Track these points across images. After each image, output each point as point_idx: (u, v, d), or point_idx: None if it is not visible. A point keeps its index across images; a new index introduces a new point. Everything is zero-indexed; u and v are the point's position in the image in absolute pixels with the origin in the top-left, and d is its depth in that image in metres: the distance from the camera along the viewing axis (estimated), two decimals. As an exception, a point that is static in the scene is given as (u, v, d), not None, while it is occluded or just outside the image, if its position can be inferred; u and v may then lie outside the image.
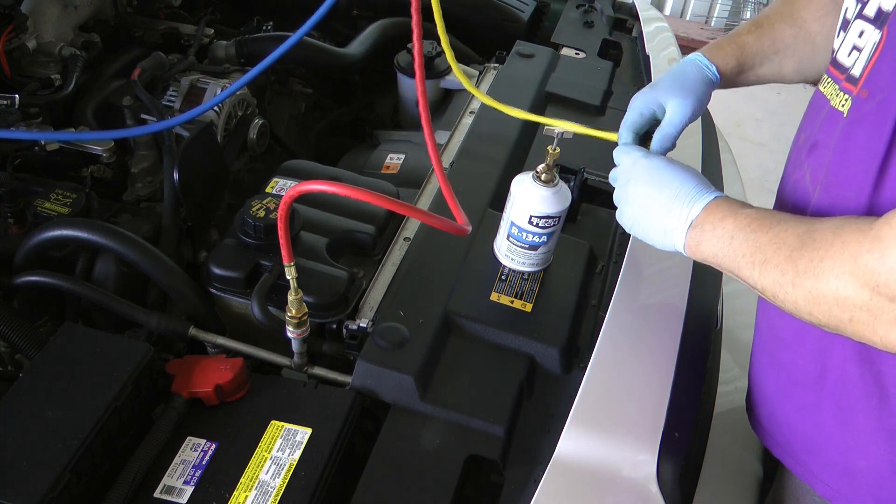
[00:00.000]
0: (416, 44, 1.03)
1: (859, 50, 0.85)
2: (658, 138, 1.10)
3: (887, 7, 0.80)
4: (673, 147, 1.11)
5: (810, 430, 0.99)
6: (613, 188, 1.05)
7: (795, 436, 1.02)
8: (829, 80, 0.91)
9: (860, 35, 0.84)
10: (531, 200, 1.11)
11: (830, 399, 0.94)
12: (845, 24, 0.89)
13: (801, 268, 0.79)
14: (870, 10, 0.84)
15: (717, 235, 0.89)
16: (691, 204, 0.92)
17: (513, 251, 1.17)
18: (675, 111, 1.09)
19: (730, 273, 0.90)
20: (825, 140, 0.89)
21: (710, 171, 1.48)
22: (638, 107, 1.11)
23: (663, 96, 1.10)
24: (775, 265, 0.82)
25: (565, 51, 1.84)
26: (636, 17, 2.02)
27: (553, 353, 1.08)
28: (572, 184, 1.39)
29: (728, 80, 1.15)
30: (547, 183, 1.11)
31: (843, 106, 0.86)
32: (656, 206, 0.95)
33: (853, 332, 0.78)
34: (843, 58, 0.88)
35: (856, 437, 0.93)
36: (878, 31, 0.82)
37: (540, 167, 1.11)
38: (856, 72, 0.85)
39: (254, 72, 1.34)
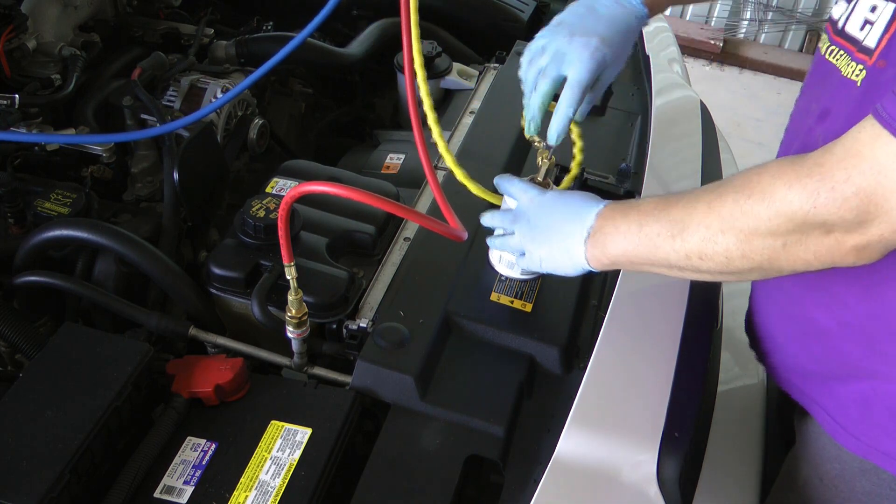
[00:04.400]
0: (405, 44, 1.03)
1: (871, 24, 0.87)
2: (556, 127, 1.05)
3: None
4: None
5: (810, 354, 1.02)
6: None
7: (797, 362, 1.05)
8: (837, 49, 0.93)
9: (872, 10, 0.86)
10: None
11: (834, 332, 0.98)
12: None
13: (727, 212, 0.82)
14: None
15: (622, 231, 0.91)
16: (584, 217, 0.95)
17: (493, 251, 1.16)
18: (572, 92, 1.03)
19: (643, 263, 0.91)
20: (837, 108, 0.91)
21: (710, 171, 1.48)
22: (549, 79, 1.06)
23: (570, 57, 1.03)
24: (697, 224, 0.84)
25: (565, 51, 1.84)
26: (636, 16, 2.01)
27: (553, 353, 1.08)
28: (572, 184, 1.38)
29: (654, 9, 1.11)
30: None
31: (856, 76, 0.88)
32: (556, 233, 0.98)
33: (787, 258, 0.81)
34: (853, 30, 0.89)
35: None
36: (891, 3, 0.84)
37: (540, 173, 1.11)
38: (870, 43, 0.87)
39: (257, 73, 1.33)
